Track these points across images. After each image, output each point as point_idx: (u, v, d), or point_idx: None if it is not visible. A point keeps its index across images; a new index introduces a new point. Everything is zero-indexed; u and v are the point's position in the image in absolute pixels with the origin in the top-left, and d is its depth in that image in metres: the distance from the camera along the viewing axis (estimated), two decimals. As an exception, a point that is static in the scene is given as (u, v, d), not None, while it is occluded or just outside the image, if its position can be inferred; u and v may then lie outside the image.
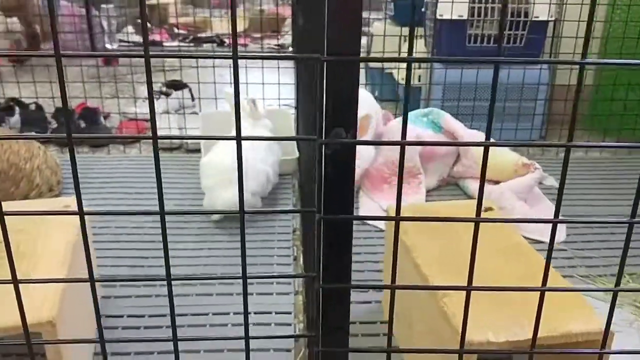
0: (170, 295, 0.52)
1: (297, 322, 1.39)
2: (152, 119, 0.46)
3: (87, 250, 0.49)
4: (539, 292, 0.95)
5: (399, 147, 1.85)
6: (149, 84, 0.46)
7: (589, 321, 0.96)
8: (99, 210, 1.82)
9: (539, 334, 0.92)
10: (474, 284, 0.98)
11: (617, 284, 0.56)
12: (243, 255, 0.50)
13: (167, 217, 1.67)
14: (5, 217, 0.53)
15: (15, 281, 0.52)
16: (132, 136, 2.12)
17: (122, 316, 1.38)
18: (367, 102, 2.03)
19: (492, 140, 1.93)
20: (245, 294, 0.51)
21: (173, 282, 0.50)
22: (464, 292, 1.00)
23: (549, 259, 0.56)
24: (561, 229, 1.76)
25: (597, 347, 0.94)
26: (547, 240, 1.68)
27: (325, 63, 0.44)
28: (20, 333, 0.92)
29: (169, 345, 1.28)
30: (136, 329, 1.34)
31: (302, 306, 1.44)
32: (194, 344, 1.27)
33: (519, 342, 0.91)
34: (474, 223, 1.17)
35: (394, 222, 1.26)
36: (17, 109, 2.62)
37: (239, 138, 0.45)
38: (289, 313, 1.40)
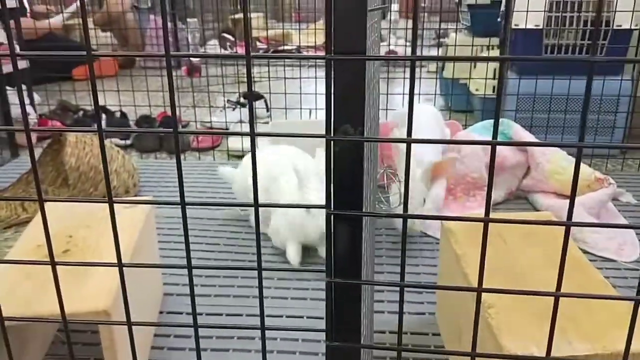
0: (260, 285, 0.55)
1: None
2: (173, 114, 0.49)
3: (186, 233, 0.53)
4: (587, 308, 0.91)
5: (467, 160, 1.84)
6: (170, 76, 0.49)
7: (643, 341, 0.90)
8: (171, 215, 1.91)
9: (588, 352, 0.89)
10: (524, 296, 0.95)
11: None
12: (258, 247, 0.52)
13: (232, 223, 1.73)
14: (77, 213, 0.58)
15: (81, 264, 0.57)
16: (154, 130, 2.21)
17: (181, 313, 1.44)
18: (434, 119, 2.00)
19: (564, 152, 1.87)
20: (260, 286, 0.53)
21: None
22: (510, 305, 0.98)
23: (562, 262, 0.54)
24: (634, 247, 1.67)
25: (653, 370, 0.89)
26: (618, 258, 1.61)
27: (332, 62, 0.45)
28: (78, 320, 0.99)
29: (220, 343, 1.32)
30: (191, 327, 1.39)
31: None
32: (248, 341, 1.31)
33: (563, 359, 0.88)
34: (525, 233, 1.14)
35: (448, 232, 1.23)
36: (103, 115, 2.80)
37: (252, 133, 0.48)
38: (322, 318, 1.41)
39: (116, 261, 1.15)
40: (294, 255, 1.64)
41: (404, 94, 2.50)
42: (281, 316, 1.42)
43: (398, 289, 0.50)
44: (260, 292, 0.53)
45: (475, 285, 1.08)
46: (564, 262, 0.49)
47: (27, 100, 2.85)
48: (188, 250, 0.53)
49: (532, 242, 1.20)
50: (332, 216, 0.50)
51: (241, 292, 1.51)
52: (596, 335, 0.91)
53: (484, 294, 1.03)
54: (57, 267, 0.71)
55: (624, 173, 2.27)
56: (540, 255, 1.15)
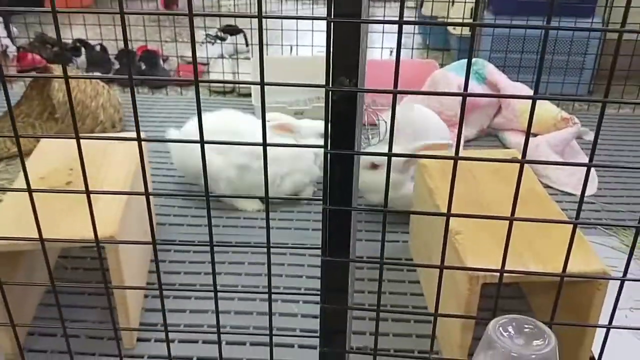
0: (209, 214, 0.65)
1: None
2: (194, 64, 0.57)
3: (144, 170, 0.62)
4: (545, 236, 1.04)
5: (443, 99, 1.90)
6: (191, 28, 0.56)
7: (589, 263, 1.04)
8: (155, 148, 1.99)
9: (540, 271, 1.02)
10: (488, 226, 1.07)
11: (577, 217, 0.64)
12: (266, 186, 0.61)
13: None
14: (72, 148, 0.66)
15: (88, 192, 0.65)
16: (176, 79, 2.25)
17: (174, 241, 1.54)
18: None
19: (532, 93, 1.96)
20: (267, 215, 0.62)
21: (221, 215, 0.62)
22: (475, 231, 1.10)
23: (518, 183, 0.65)
24: (592, 183, 1.81)
25: (595, 288, 1.03)
26: (578, 193, 1.74)
27: (332, 24, 0.54)
28: (84, 245, 1.09)
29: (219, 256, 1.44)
30: (186, 252, 1.50)
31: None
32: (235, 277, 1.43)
33: (520, 277, 1.01)
34: (494, 170, 1.25)
35: (422, 168, 1.33)
36: (83, 49, 2.80)
37: (262, 82, 0.56)
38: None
39: (116, 189, 1.23)
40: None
41: (384, 32, 2.55)
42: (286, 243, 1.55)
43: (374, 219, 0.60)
44: (267, 221, 0.63)
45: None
46: (519, 190, 0.60)
47: (4, 33, 2.83)
48: (207, 188, 0.62)
49: (499, 177, 1.31)
50: (329, 155, 0.59)
51: (246, 223, 1.63)
52: (548, 258, 1.05)
53: (453, 223, 1.15)
54: (63, 198, 0.79)
55: (589, 113, 2.39)
56: (506, 190, 1.27)
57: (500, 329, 0.58)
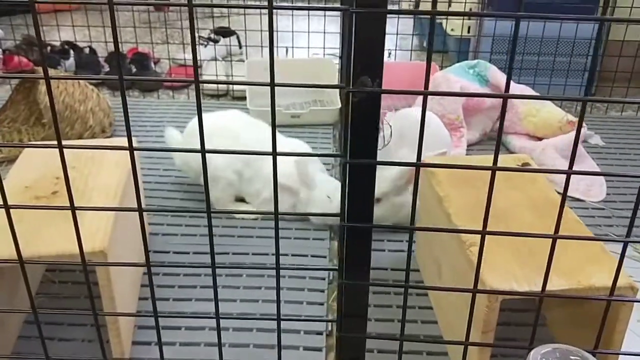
0: (210, 229, 0.58)
1: (331, 265, 1.45)
2: (195, 63, 0.50)
3: (136, 182, 0.55)
4: (566, 246, 0.97)
5: (445, 101, 1.83)
6: (192, 30, 0.49)
7: (612, 276, 0.97)
8: (151, 155, 1.91)
9: (563, 287, 0.95)
10: (504, 236, 1.00)
11: (628, 234, 0.58)
12: (275, 196, 0.54)
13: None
14: (61, 154, 0.59)
15: (73, 208, 0.58)
16: (177, 79, 2.18)
17: (168, 252, 1.47)
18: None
19: (538, 94, 1.91)
20: (276, 232, 0.55)
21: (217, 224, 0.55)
22: (492, 243, 1.03)
23: (561, 210, 0.58)
24: (601, 188, 1.75)
25: (621, 303, 0.97)
26: (586, 198, 1.69)
27: (354, 15, 0.47)
28: (74, 260, 1.01)
29: (210, 280, 1.37)
30: (181, 265, 1.42)
31: (337, 251, 1.50)
32: (234, 277, 1.35)
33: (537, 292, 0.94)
34: (506, 176, 1.19)
35: (429, 174, 1.27)
36: (71, 52, 2.72)
37: (272, 84, 0.49)
38: (324, 257, 1.46)
39: (107, 202, 1.16)
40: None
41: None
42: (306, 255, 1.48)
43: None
44: (277, 233, 0.56)
45: (458, 224, 1.13)
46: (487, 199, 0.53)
47: (-10, 35, 2.75)
48: (208, 204, 0.55)
49: (511, 184, 1.25)
50: (347, 165, 0.52)
51: (243, 232, 1.55)
52: (572, 271, 0.98)
53: (466, 234, 1.08)
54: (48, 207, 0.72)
55: (592, 116, 2.33)
56: (519, 197, 1.21)
57: (544, 361, 0.51)
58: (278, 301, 0.58)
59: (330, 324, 1.22)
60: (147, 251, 0.62)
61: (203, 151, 0.52)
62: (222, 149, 0.55)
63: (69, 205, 0.71)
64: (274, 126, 0.51)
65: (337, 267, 0.56)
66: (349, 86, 0.48)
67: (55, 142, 0.57)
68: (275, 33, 2.49)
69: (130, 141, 0.53)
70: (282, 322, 1.22)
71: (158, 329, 0.65)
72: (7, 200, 0.58)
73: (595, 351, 0.61)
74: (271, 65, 0.48)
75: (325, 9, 0.50)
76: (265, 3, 0.48)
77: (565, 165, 1.83)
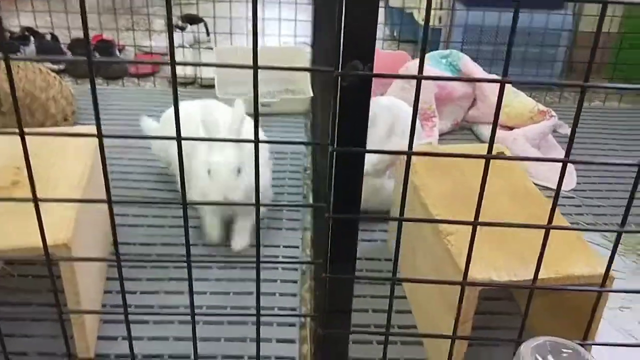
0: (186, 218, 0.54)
1: (304, 255, 1.42)
2: (171, 46, 0.47)
3: (105, 172, 0.51)
4: (543, 234, 0.96)
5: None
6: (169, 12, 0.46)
7: (591, 265, 0.97)
8: (114, 142, 1.84)
9: (542, 276, 0.94)
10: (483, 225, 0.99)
11: (622, 225, 0.56)
12: (257, 182, 0.51)
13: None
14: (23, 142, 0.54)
15: (35, 200, 0.54)
16: (152, 61, 2.12)
17: (134, 244, 1.42)
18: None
19: (511, 85, 1.90)
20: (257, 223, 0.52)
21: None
22: (469, 231, 1.02)
23: (555, 200, 0.56)
24: (571, 177, 1.76)
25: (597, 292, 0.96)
26: (555, 187, 1.70)
27: (343, -7, 0.44)
28: (35, 254, 0.96)
29: (180, 272, 1.32)
30: (147, 255, 1.38)
31: (309, 242, 1.47)
32: (204, 270, 1.31)
33: (520, 282, 0.93)
34: (482, 164, 1.18)
35: (403, 161, 1.26)
36: (32, 38, 2.61)
37: (256, 68, 0.46)
38: (297, 247, 1.43)
39: (71, 192, 1.10)
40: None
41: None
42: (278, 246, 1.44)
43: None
44: (257, 226, 0.53)
45: (435, 213, 1.11)
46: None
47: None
48: (184, 195, 0.52)
49: (489, 173, 1.24)
50: (334, 153, 0.49)
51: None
52: (550, 260, 0.97)
53: (443, 224, 1.07)
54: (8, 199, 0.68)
55: (560, 105, 2.35)
56: (496, 185, 1.20)
57: (537, 354, 0.50)
58: (258, 296, 0.55)
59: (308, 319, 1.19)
60: (116, 245, 0.58)
61: (179, 138, 0.48)
62: (197, 137, 0.51)
63: (31, 197, 0.67)
64: (256, 114, 0.48)
65: (321, 261, 0.53)
66: (338, 70, 0.45)
67: (13, 130, 0.52)
68: (244, 20, 2.44)
69: (99, 128, 0.49)
70: (245, 315, 1.20)
71: (128, 326, 0.61)
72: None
73: (584, 343, 0.60)
74: (255, 48, 0.45)
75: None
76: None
77: (535, 154, 1.84)
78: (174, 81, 0.47)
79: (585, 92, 0.51)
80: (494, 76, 2.06)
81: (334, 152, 0.49)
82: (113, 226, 0.56)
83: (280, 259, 1.38)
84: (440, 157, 1.25)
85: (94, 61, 0.45)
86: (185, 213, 0.52)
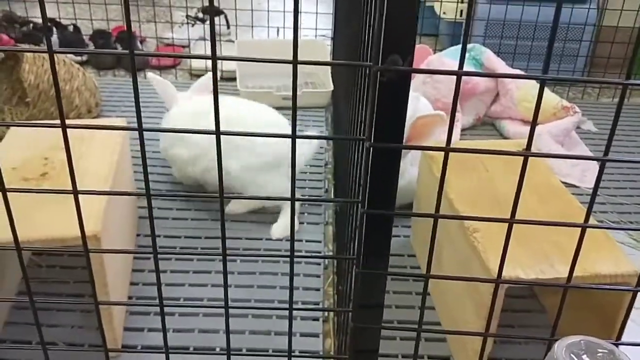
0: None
1: (326, 250, 1.42)
2: (213, 40, 0.47)
3: (145, 164, 0.51)
4: (569, 232, 0.96)
5: (440, 85, 1.79)
6: None
7: (619, 264, 0.96)
8: (136, 135, 1.85)
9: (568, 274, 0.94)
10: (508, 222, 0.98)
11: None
12: (293, 177, 0.51)
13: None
14: (47, 135, 0.55)
15: (75, 192, 0.55)
16: (191, 55, 2.13)
17: (159, 236, 1.43)
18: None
19: (533, 80, 1.87)
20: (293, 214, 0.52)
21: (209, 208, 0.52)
22: (495, 228, 1.02)
23: (593, 198, 0.56)
24: (594, 175, 1.74)
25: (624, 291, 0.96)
26: (581, 184, 1.68)
27: (384, -12, 0.43)
28: (63, 245, 0.97)
29: (204, 265, 1.33)
30: (172, 248, 1.39)
31: (332, 236, 1.47)
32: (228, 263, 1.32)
33: (547, 280, 0.93)
34: (506, 161, 1.17)
35: (428, 158, 1.25)
36: (55, 30, 2.64)
37: (294, 61, 0.46)
38: (320, 242, 1.44)
39: (98, 184, 1.12)
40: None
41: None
42: (301, 240, 1.44)
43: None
44: (292, 220, 0.53)
45: (460, 209, 1.11)
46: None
47: (-31, 10, 2.65)
48: (221, 189, 0.52)
49: (511, 169, 1.23)
50: (371, 149, 0.50)
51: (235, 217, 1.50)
52: (577, 258, 0.96)
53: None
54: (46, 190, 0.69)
55: (583, 101, 2.33)
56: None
57: (572, 353, 0.50)
58: (291, 290, 0.55)
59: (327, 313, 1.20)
60: (154, 239, 0.59)
61: (218, 133, 0.49)
62: (236, 131, 0.52)
63: (65, 188, 0.68)
64: (294, 109, 0.48)
65: (354, 257, 0.54)
66: (377, 64, 0.45)
67: (56, 122, 0.53)
68: (267, 13, 2.44)
69: (139, 121, 0.50)
70: (277, 309, 1.21)
71: (163, 317, 0.62)
72: (3, 183, 0.55)
73: (618, 343, 0.60)
74: (295, 45, 0.45)
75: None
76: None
77: (559, 151, 1.82)
78: (215, 78, 0.47)
79: (626, 90, 0.51)
80: (518, 71, 2.05)
81: (371, 148, 0.49)
82: (151, 218, 0.57)
83: (304, 254, 1.39)
84: (473, 153, 1.24)
85: (137, 54, 0.46)
86: (222, 206, 0.52)
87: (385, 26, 0.45)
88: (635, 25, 2.30)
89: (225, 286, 0.55)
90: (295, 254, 0.54)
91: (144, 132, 0.49)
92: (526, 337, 0.86)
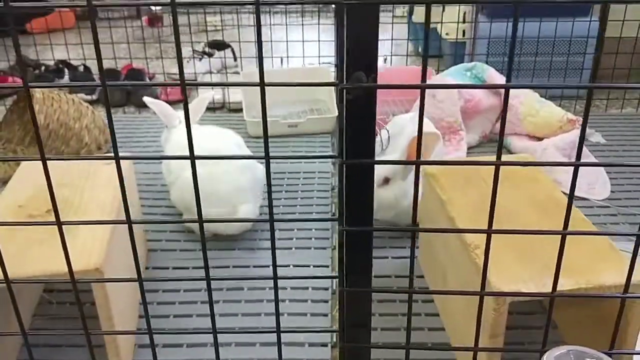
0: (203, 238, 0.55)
1: (334, 273, 1.42)
2: (180, 66, 0.48)
3: (123, 192, 0.52)
4: (572, 245, 0.94)
5: (443, 105, 1.80)
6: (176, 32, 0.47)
7: (623, 274, 0.94)
8: (144, 170, 1.88)
9: (572, 286, 0.93)
10: (508, 238, 0.97)
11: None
12: (269, 196, 0.52)
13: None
14: (52, 172, 0.56)
15: (59, 223, 0.56)
16: (161, 83, 2.17)
17: (167, 268, 1.44)
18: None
19: (537, 94, 1.88)
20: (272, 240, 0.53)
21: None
22: (494, 244, 1.01)
23: (570, 202, 0.56)
24: (605, 186, 1.72)
25: (632, 301, 0.94)
26: (590, 197, 1.66)
27: (345, 8, 0.44)
28: (66, 279, 0.98)
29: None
30: (179, 281, 1.40)
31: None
32: (236, 291, 1.32)
33: (548, 293, 0.91)
34: (508, 175, 1.16)
35: (431, 178, 1.25)
36: (66, 70, 2.70)
37: (263, 84, 0.47)
38: (327, 266, 1.43)
39: (102, 218, 1.13)
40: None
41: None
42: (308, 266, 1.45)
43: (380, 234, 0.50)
44: (273, 243, 0.53)
45: (462, 227, 1.10)
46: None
47: (-17, 56, 2.73)
48: (200, 213, 0.53)
49: (513, 183, 1.23)
50: (344, 166, 0.50)
51: (243, 245, 1.52)
52: (580, 270, 0.95)
53: (470, 237, 1.06)
54: (42, 226, 0.71)
55: (592, 114, 2.31)
56: (522, 197, 1.18)
57: (559, 364, 0.49)
58: (277, 313, 0.55)
59: (335, 335, 1.19)
60: (137, 265, 0.60)
61: (192, 157, 0.50)
62: (210, 155, 0.52)
63: (62, 222, 0.69)
64: (265, 133, 0.49)
65: (337, 275, 0.54)
66: (343, 82, 0.46)
67: (35, 156, 0.55)
68: (270, 43, 2.48)
69: (115, 150, 0.51)
70: (286, 335, 1.20)
71: (153, 347, 0.62)
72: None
73: (610, 352, 0.59)
74: (260, 65, 0.46)
75: (316, 2, 0.48)
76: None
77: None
78: (185, 103, 0.48)
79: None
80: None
81: (344, 165, 0.49)
82: (133, 246, 0.58)
83: (287, 275, 1.38)
84: (451, 165, 1.25)
85: (110, 84, 0.47)
86: (202, 231, 0.53)
87: (348, 45, 0.46)
88: (639, 35, 2.29)
89: (212, 312, 0.55)
90: (281, 276, 0.54)
91: (150, 165, 0.50)
92: (516, 349, 0.85)
